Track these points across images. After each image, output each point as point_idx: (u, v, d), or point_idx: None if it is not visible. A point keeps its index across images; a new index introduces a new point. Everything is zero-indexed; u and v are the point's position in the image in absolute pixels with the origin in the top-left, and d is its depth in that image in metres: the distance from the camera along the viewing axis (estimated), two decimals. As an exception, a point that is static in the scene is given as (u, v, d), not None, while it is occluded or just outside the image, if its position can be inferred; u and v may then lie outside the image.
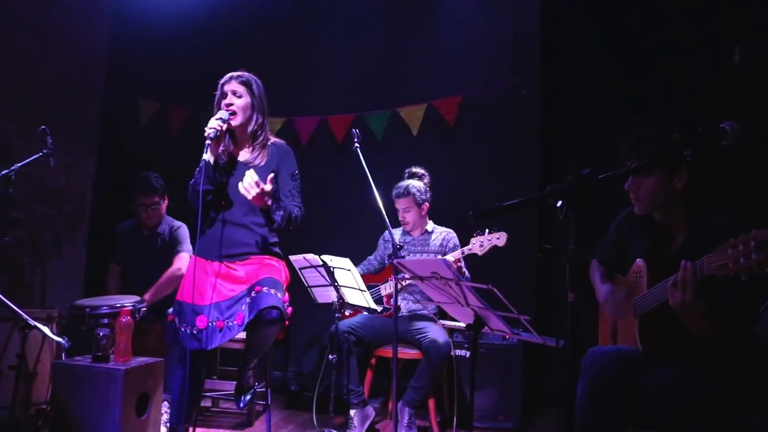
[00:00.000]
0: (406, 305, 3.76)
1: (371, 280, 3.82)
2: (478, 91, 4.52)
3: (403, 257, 3.58)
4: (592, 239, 1.94)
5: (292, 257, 3.12)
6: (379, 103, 4.71)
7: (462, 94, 4.50)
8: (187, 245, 3.83)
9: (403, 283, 3.60)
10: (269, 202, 2.65)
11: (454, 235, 3.78)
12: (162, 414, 3.13)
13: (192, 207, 2.70)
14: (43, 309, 3.43)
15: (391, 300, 3.45)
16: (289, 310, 2.74)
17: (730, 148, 1.68)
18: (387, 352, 3.55)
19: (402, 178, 3.86)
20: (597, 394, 2.00)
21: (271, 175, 2.66)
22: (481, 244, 3.45)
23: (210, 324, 2.63)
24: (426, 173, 3.90)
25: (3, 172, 3.16)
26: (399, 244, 3.05)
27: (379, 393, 4.18)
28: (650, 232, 2.22)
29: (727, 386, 1.94)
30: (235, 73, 2.82)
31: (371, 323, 3.65)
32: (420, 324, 3.59)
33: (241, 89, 2.79)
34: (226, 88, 2.79)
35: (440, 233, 3.79)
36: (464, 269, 3.56)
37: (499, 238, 3.43)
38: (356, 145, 3.12)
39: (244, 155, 2.84)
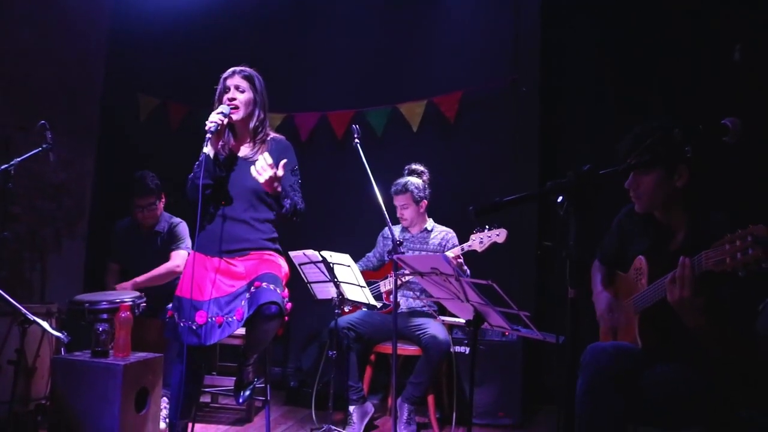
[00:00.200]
0: (405, 302, 3.76)
1: (371, 276, 3.82)
2: (478, 88, 4.51)
3: (403, 253, 3.57)
4: (592, 235, 1.93)
5: (291, 253, 3.12)
6: (379, 99, 4.70)
7: (462, 90, 4.49)
8: (186, 242, 3.82)
9: (403, 279, 3.60)
10: (279, 188, 2.66)
11: (454, 234, 3.77)
12: (161, 409, 3.14)
13: (191, 201, 2.70)
14: (43, 304, 3.43)
15: (391, 296, 3.45)
16: (289, 305, 2.74)
17: (731, 145, 1.68)
18: (386, 348, 3.56)
19: (402, 175, 3.86)
20: (596, 391, 1.99)
21: (284, 161, 2.67)
22: (480, 240, 3.46)
23: (209, 320, 2.63)
24: (425, 170, 3.89)
25: (2, 167, 3.15)
26: (399, 240, 3.04)
27: (378, 389, 4.19)
28: (650, 230, 2.21)
29: (727, 383, 1.94)
30: (237, 68, 2.81)
31: (371, 319, 3.65)
32: (419, 320, 3.59)
33: (243, 84, 2.78)
34: (229, 82, 2.78)
35: (440, 232, 3.79)
36: (465, 266, 3.56)
37: (499, 235, 3.43)
38: (356, 141, 3.11)
39: (244, 150, 2.84)
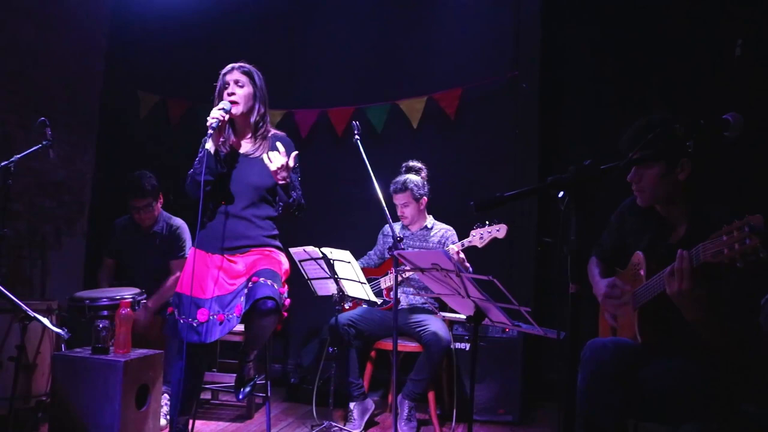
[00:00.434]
0: (406, 298, 3.76)
1: (371, 273, 3.81)
2: (478, 84, 4.51)
3: (403, 249, 3.57)
4: (593, 230, 1.93)
5: (292, 250, 3.12)
6: (379, 95, 4.70)
7: (462, 86, 4.48)
8: (188, 248, 3.77)
9: (404, 275, 3.59)
10: (288, 179, 2.68)
11: (454, 232, 3.76)
12: (162, 406, 3.14)
13: (191, 197, 2.69)
14: (43, 301, 3.43)
15: (391, 293, 3.45)
16: (287, 301, 2.74)
17: (732, 140, 1.68)
18: (387, 344, 3.55)
19: (400, 172, 3.85)
20: (597, 387, 1.99)
21: (295, 153, 2.69)
22: (481, 236, 3.45)
23: (211, 317, 2.63)
24: (423, 167, 3.88)
25: (2, 164, 3.15)
26: (399, 236, 3.04)
27: (378, 386, 4.19)
28: (651, 224, 2.21)
29: (729, 377, 1.94)
30: (236, 64, 2.81)
31: (371, 316, 3.65)
32: (420, 317, 3.59)
33: (243, 79, 2.78)
34: (228, 77, 2.78)
35: (440, 230, 3.78)
36: (467, 263, 3.55)
37: (499, 231, 3.43)
38: (356, 137, 3.11)
39: (245, 147, 2.84)
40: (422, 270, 2.19)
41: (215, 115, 2.65)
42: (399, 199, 3.74)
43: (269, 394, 3.04)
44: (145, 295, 3.27)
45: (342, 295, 3.23)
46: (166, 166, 3.96)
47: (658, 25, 4.07)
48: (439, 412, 3.63)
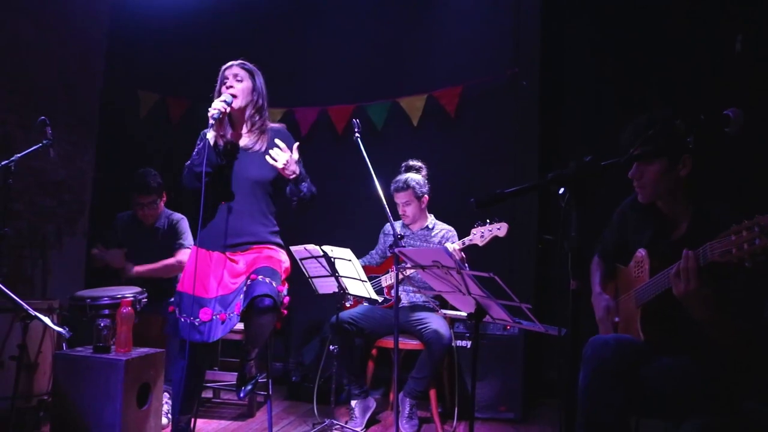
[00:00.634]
0: (406, 296, 3.76)
1: (372, 271, 3.81)
2: (478, 82, 4.50)
3: (404, 247, 3.57)
4: (593, 227, 1.93)
5: (292, 248, 3.12)
6: (379, 93, 4.69)
7: (462, 84, 4.48)
8: (188, 240, 3.81)
9: (405, 273, 3.59)
10: (298, 172, 2.70)
11: (455, 233, 3.76)
12: (163, 404, 3.14)
13: (189, 189, 2.70)
14: (44, 300, 3.44)
15: (392, 291, 3.45)
16: (287, 299, 2.74)
17: (733, 136, 1.67)
18: (388, 342, 3.55)
19: (401, 171, 3.84)
20: (598, 384, 1.99)
21: (297, 144, 2.72)
22: (481, 234, 3.45)
23: (213, 317, 2.63)
24: (423, 165, 3.87)
25: (3, 163, 3.15)
26: (400, 234, 3.04)
27: (380, 384, 4.18)
28: (653, 220, 2.21)
29: (732, 375, 1.94)
30: (236, 61, 2.83)
31: (372, 314, 3.65)
32: (421, 314, 3.58)
33: (242, 73, 2.79)
34: (227, 72, 2.80)
35: (440, 230, 3.77)
36: (466, 264, 3.55)
37: (500, 229, 3.42)
38: (357, 135, 3.10)
39: (243, 140, 2.84)
40: (423, 267, 2.19)
41: (217, 106, 2.67)
42: (401, 198, 3.74)
43: (270, 393, 3.03)
44: (146, 294, 3.27)
45: (343, 293, 3.23)
46: (167, 165, 3.96)
47: (658, 24, 4.06)
48: (441, 410, 3.63)
